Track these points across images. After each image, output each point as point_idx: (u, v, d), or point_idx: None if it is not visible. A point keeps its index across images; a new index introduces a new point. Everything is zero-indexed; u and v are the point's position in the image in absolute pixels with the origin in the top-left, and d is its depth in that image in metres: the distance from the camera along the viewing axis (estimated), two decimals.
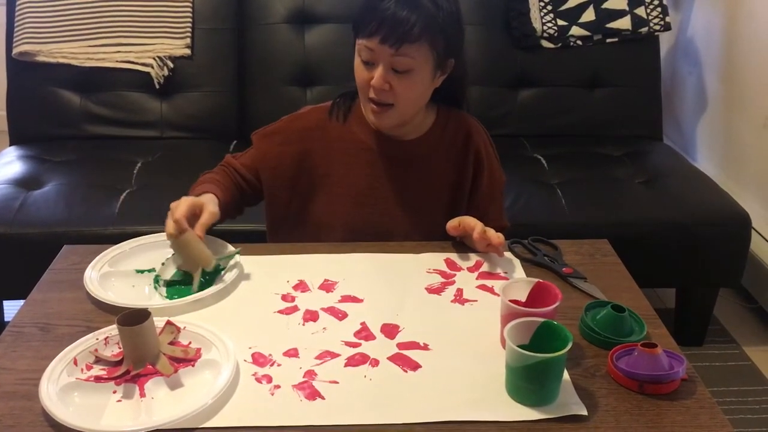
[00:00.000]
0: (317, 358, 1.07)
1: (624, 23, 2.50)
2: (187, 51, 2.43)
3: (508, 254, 1.36)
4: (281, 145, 1.45)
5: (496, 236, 1.30)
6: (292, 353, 1.08)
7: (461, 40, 1.37)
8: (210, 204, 1.31)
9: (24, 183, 2.12)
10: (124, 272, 1.28)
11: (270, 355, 1.08)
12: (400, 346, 1.10)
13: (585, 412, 0.97)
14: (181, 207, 1.26)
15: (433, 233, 1.39)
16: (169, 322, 1.10)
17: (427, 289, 1.25)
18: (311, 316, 1.17)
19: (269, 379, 1.03)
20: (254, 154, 1.47)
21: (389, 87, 1.30)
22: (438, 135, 1.44)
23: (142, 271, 1.29)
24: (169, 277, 1.28)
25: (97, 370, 1.03)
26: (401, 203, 1.43)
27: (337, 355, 1.08)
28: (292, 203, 1.45)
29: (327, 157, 1.44)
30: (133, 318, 1.01)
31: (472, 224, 1.31)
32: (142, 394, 0.99)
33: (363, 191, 1.42)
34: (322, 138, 1.44)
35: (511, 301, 1.08)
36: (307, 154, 1.44)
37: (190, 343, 1.09)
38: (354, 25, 1.32)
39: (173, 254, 1.29)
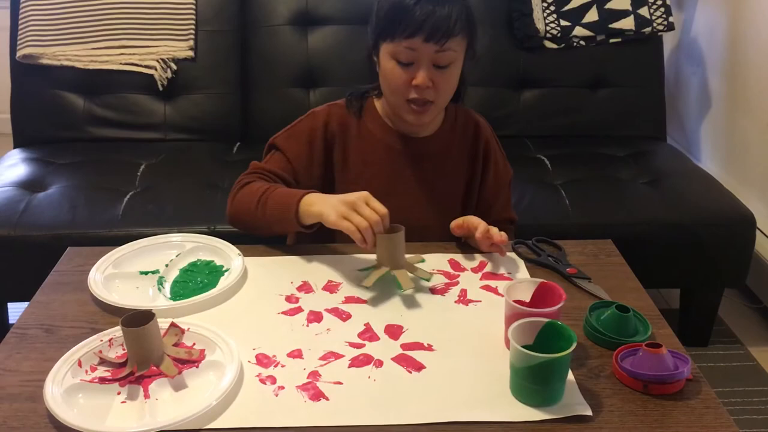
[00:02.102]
0: (321, 359, 1.07)
1: (627, 23, 2.49)
2: (191, 53, 2.43)
3: (511, 255, 1.36)
4: (309, 143, 1.43)
5: (498, 234, 1.30)
6: (296, 354, 1.08)
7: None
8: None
9: (28, 185, 2.12)
10: (128, 274, 1.29)
11: (274, 356, 1.08)
12: (404, 346, 1.10)
13: (590, 413, 0.96)
14: (379, 207, 1.22)
15: (448, 226, 1.39)
16: (173, 324, 1.10)
17: (431, 289, 1.25)
18: (315, 317, 1.17)
19: (273, 380, 1.03)
20: (286, 158, 1.43)
21: (432, 84, 1.31)
22: (450, 130, 1.46)
23: (146, 273, 1.29)
24: (173, 278, 1.28)
25: (102, 372, 1.04)
26: (418, 199, 1.44)
27: (341, 356, 1.08)
28: None
29: (344, 154, 1.44)
30: (137, 319, 1.01)
31: (476, 223, 1.31)
32: (147, 396, 0.99)
33: (379, 188, 1.42)
34: (342, 134, 1.44)
35: (515, 301, 1.08)
36: (329, 151, 1.44)
37: (194, 344, 1.09)
38: (384, 28, 1.31)
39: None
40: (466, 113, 1.49)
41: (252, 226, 1.37)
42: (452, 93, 1.38)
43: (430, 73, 1.30)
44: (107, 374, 1.03)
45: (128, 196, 2.07)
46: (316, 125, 1.44)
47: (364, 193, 1.23)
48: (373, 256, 1.28)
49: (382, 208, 1.22)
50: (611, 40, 2.52)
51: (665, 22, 2.50)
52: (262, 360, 1.07)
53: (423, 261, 1.31)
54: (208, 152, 2.38)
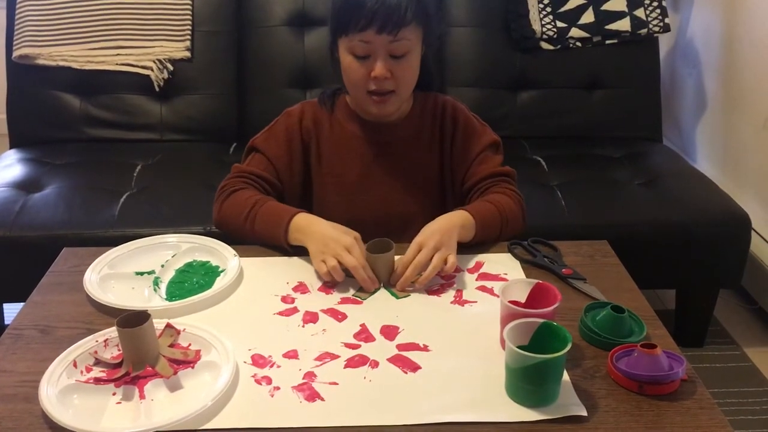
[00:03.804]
0: (317, 359, 1.07)
1: (623, 25, 2.50)
2: (187, 54, 2.43)
3: (507, 255, 1.36)
4: (287, 142, 1.46)
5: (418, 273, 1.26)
6: (291, 355, 1.08)
7: (439, 9, 1.41)
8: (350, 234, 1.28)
9: (24, 186, 2.12)
10: (123, 274, 1.29)
11: (270, 356, 1.08)
12: (399, 347, 1.10)
13: (585, 413, 0.97)
14: (360, 259, 1.23)
15: (431, 211, 1.40)
16: (168, 325, 1.10)
17: (426, 290, 1.25)
18: (311, 317, 1.17)
19: (269, 381, 1.03)
20: (267, 159, 1.46)
21: (390, 75, 1.32)
22: (419, 115, 1.48)
23: (141, 274, 1.29)
24: (168, 279, 1.28)
25: (97, 372, 1.03)
26: (395, 186, 1.46)
27: (337, 357, 1.08)
28: (304, 199, 1.48)
29: (319, 149, 1.47)
30: (133, 320, 1.01)
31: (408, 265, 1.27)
32: (142, 396, 0.99)
33: (355, 179, 1.46)
34: (316, 130, 1.47)
35: (510, 302, 1.08)
36: (306, 147, 1.47)
37: (189, 345, 1.09)
38: (338, 24, 1.34)
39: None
40: (435, 98, 1.50)
41: (239, 236, 1.39)
42: (413, 81, 1.39)
43: (387, 63, 1.32)
44: (102, 375, 1.03)
45: (124, 197, 2.06)
46: (292, 124, 1.47)
47: (348, 239, 1.24)
48: None
49: (361, 258, 1.23)
50: (607, 42, 2.53)
51: (661, 24, 2.51)
52: (258, 360, 1.07)
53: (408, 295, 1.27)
54: (205, 153, 2.38)
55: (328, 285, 1.25)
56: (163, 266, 1.30)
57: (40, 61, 2.39)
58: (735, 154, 2.55)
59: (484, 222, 1.36)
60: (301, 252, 1.34)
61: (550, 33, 2.49)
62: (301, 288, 1.25)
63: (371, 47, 1.31)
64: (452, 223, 1.31)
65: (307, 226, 1.30)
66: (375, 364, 1.06)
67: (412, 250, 1.26)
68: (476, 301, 1.22)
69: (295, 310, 1.19)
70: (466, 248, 1.36)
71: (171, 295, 1.23)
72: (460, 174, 1.49)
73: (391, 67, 1.32)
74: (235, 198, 1.39)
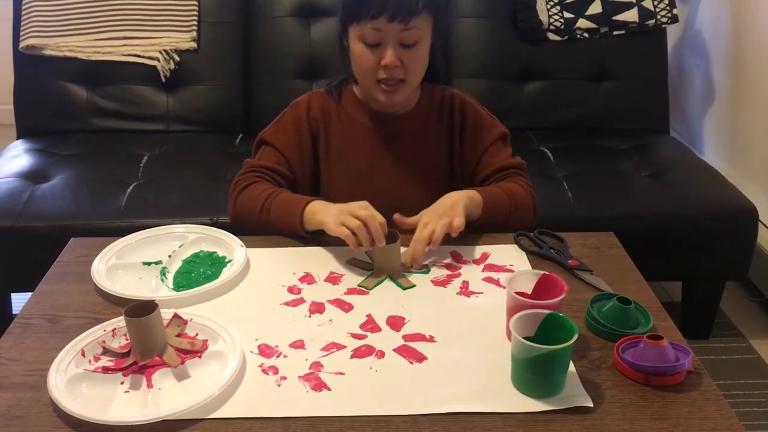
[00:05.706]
0: (323, 349, 1.08)
1: (631, 15, 2.49)
2: (194, 44, 2.43)
3: (514, 247, 1.36)
4: (296, 133, 1.47)
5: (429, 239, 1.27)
6: (298, 345, 1.09)
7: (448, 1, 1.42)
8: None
9: (31, 176, 2.12)
10: (131, 264, 1.29)
11: (276, 346, 1.08)
12: (405, 337, 1.11)
13: (590, 404, 0.97)
14: (376, 213, 1.24)
15: None
16: (176, 315, 1.10)
17: (432, 281, 1.25)
18: (317, 308, 1.18)
19: (276, 371, 1.03)
20: (277, 151, 1.46)
21: (400, 63, 1.33)
22: (426, 106, 1.48)
23: (149, 264, 1.29)
24: (176, 269, 1.29)
25: (105, 362, 1.04)
26: (402, 177, 1.46)
27: (343, 347, 1.08)
28: (316, 190, 1.49)
29: (327, 139, 1.47)
30: (140, 310, 1.02)
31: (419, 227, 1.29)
32: (150, 385, 0.99)
33: (362, 170, 1.46)
34: (324, 120, 1.47)
35: (516, 293, 1.08)
36: (315, 138, 1.48)
37: (197, 334, 1.09)
38: (350, 12, 1.34)
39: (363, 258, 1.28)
40: (443, 90, 1.50)
41: (255, 228, 1.39)
42: (422, 71, 1.40)
43: (398, 52, 1.32)
44: (110, 364, 1.03)
45: (131, 188, 2.07)
46: (300, 114, 1.47)
47: (363, 202, 1.26)
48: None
49: (380, 216, 1.24)
50: (615, 33, 2.52)
51: (669, 15, 2.50)
52: (265, 350, 1.07)
53: (427, 272, 1.29)
54: (211, 144, 2.39)
55: (335, 274, 1.26)
56: (170, 256, 1.31)
57: (47, 52, 2.39)
58: (742, 146, 2.54)
59: (492, 202, 1.37)
60: (313, 241, 1.35)
61: (558, 24, 2.48)
62: (307, 278, 1.26)
63: (382, 35, 1.32)
64: (456, 196, 1.33)
65: (321, 207, 1.31)
66: (381, 355, 1.07)
67: (418, 229, 1.27)
68: (482, 292, 1.22)
69: (301, 300, 1.20)
70: (472, 238, 1.36)
71: (178, 286, 1.24)
72: (469, 166, 1.49)
73: (402, 55, 1.33)
74: (249, 192, 1.40)
